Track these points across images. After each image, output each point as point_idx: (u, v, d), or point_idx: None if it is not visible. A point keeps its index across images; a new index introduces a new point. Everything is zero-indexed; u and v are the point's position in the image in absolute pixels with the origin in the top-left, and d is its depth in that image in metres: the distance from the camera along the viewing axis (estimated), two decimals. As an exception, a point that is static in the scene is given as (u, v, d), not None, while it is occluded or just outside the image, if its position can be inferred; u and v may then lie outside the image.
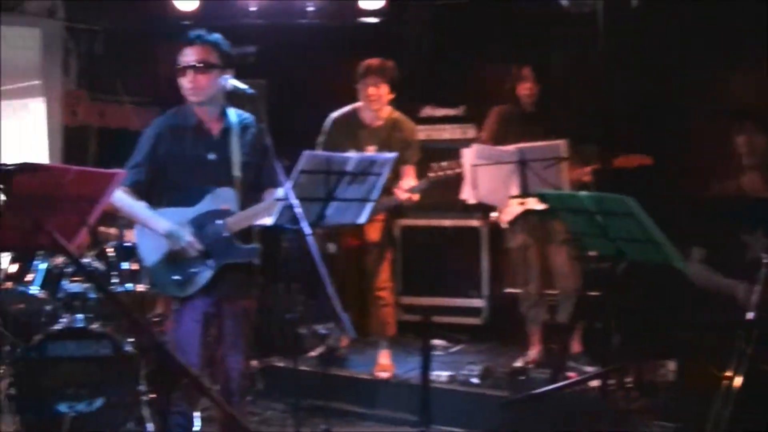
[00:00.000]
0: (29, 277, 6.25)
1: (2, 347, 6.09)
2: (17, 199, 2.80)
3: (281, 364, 6.97)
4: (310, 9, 8.56)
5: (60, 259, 6.27)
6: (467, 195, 6.51)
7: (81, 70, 9.02)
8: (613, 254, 5.03)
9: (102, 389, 5.63)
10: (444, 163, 6.33)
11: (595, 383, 6.18)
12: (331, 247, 6.61)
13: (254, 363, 6.72)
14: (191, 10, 8.41)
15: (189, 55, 4.97)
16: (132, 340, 5.80)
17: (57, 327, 5.79)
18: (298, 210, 4.39)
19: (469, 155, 6.44)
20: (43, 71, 8.68)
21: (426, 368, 5.97)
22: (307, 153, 4.79)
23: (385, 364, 6.94)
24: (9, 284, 6.24)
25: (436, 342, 7.80)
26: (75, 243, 3.73)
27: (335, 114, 6.86)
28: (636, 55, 7.52)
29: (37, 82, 8.64)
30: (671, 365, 6.29)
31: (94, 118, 8.92)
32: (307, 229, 4.31)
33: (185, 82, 4.98)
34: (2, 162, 2.82)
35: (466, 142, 7.33)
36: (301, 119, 7.43)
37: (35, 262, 6.27)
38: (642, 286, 6.34)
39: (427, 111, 8.66)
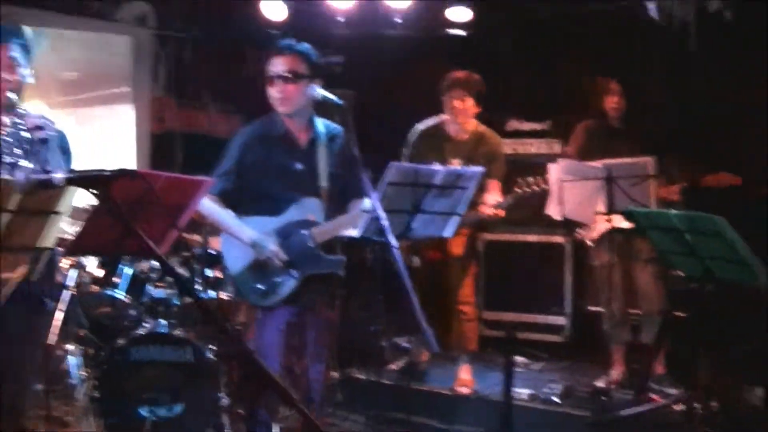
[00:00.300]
0: (115, 281, 6.32)
1: (87, 350, 6.17)
2: (111, 204, 2.83)
3: (362, 376, 6.95)
4: (398, 20, 8.55)
5: (145, 265, 6.33)
6: (552, 211, 6.44)
7: (169, 77, 9.12)
8: (701, 274, 4.93)
9: (183, 395, 5.65)
10: (530, 179, 6.27)
11: (679, 406, 6.06)
12: (415, 260, 6.58)
13: (335, 374, 6.72)
14: (280, 19, 8.46)
15: (278, 65, 4.97)
16: (214, 347, 5.83)
17: (140, 331, 5.84)
18: (385, 222, 4.36)
19: (555, 170, 6.37)
20: (132, 78, 8.79)
21: (508, 385, 5.91)
22: (394, 165, 4.76)
23: (465, 379, 6.88)
24: (95, 288, 6.31)
25: (517, 359, 7.71)
26: (163, 249, 3.76)
27: (421, 126, 6.83)
28: (727, 68, 7.38)
29: (127, 88, 8.76)
30: (759, 391, 6.15)
31: (180, 124, 9.02)
32: (393, 242, 4.28)
33: (274, 92, 4.98)
34: (100, 168, 2.85)
35: (552, 157, 7.26)
36: (387, 130, 7.41)
37: (121, 267, 6.34)
38: (730, 307, 6.20)
39: (513, 125, 8.60)
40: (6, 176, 3.94)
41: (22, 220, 3.67)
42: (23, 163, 4.29)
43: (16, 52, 4.58)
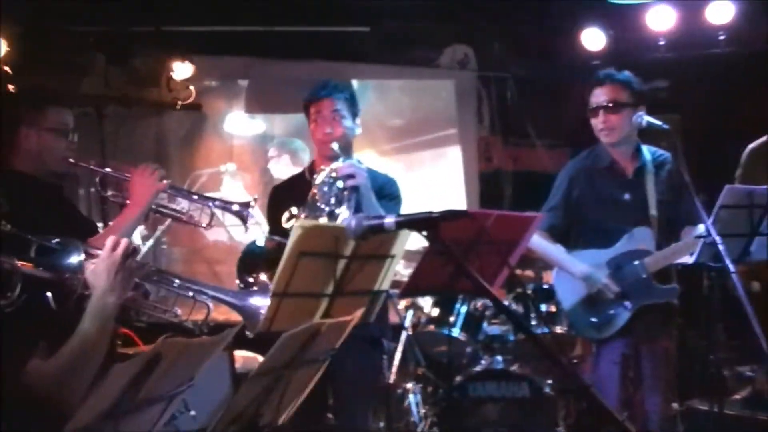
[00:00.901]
0: (450, 320, 6.44)
1: (426, 388, 6.31)
2: (442, 245, 2.89)
3: (703, 407, 6.67)
4: (722, 37, 8.26)
5: (480, 303, 6.40)
6: None
7: (493, 116, 9.23)
8: None
9: (521, 430, 5.66)
10: None
11: None
12: (755, 285, 6.27)
13: (675, 405, 6.50)
14: (599, 49, 8.39)
15: (600, 96, 4.93)
16: (551, 382, 5.80)
17: (477, 368, 5.92)
18: (721, 246, 4.20)
19: None
20: (458, 120, 8.98)
21: None
22: (728, 187, 4.57)
23: (819, 409, 6.47)
24: (431, 327, 6.46)
25: None
26: (496, 286, 3.80)
27: (753, 145, 6.53)
28: None
29: (453, 130, 8.96)
30: None
31: (507, 162, 9.11)
32: (731, 267, 4.11)
33: (597, 123, 4.94)
34: (429, 210, 2.92)
35: None
36: (718, 152, 7.14)
37: (456, 306, 6.45)
38: None
39: None
40: (340, 224, 4.11)
41: (358, 265, 3.82)
42: (339, 211, 4.48)
43: (340, 106, 4.76)
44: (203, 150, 8.57)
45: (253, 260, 4.39)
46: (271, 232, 4.66)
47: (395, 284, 4.49)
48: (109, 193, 4.39)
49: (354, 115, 4.78)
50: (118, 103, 7.89)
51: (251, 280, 4.07)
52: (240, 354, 6.54)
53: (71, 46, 7.83)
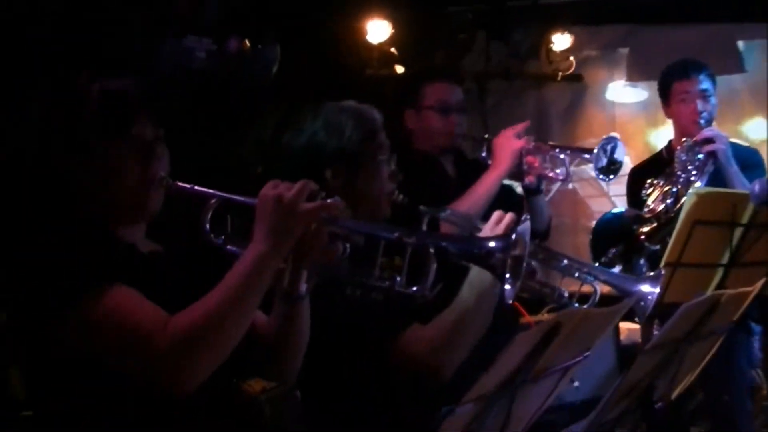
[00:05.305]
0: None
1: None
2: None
3: None
4: None
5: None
6: None
7: None
8: None
9: None
10: None
11: None
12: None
13: None
14: None
15: None
16: None
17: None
18: None
19: None
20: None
21: None
22: None
23: None
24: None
25: None
26: None
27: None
28: None
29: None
30: None
31: None
32: None
33: None
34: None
35: None
36: None
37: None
38: None
39: None
40: (740, 190, 3.98)
41: (756, 234, 3.68)
42: (693, 179, 4.43)
43: (707, 85, 4.75)
44: (585, 121, 8.54)
45: (606, 232, 4.38)
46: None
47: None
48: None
49: (715, 93, 4.77)
50: (500, 78, 8.05)
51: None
52: (624, 326, 6.49)
53: (453, 25, 8.05)
